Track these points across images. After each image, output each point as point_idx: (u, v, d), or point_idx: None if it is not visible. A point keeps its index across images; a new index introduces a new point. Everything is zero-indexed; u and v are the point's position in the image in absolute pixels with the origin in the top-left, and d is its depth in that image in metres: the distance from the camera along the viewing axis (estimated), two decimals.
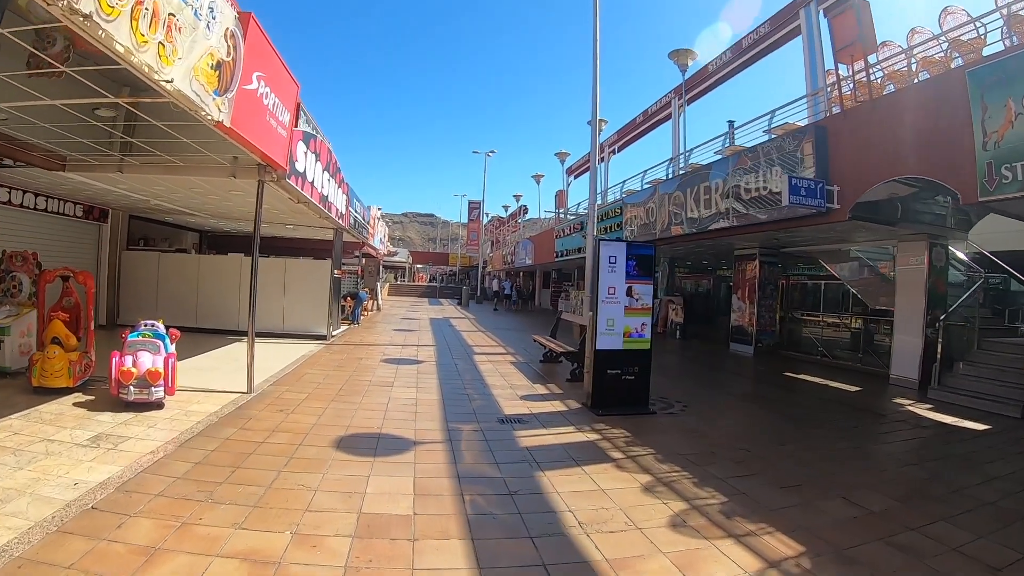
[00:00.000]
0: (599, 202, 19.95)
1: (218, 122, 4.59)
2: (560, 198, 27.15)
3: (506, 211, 42.15)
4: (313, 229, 13.85)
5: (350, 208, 12.72)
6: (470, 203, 50.32)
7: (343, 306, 16.48)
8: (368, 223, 17.44)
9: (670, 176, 14.66)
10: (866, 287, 13.20)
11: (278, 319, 12.61)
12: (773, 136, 10.91)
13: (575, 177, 27.72)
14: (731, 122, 16.84)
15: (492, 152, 38.16)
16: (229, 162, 6.60)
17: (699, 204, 11.86)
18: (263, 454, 4.63)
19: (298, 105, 7.13)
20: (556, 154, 26.47)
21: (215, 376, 7.59)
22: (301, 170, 7.59)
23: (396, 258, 55.55)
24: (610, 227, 16.02)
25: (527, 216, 38.14)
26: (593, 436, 5.75)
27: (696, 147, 13.58)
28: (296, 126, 7.94)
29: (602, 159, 22.94)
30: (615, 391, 6.87)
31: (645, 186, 15.70)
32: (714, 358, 13.49)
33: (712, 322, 20.46)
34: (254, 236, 6.83)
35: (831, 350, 13.45)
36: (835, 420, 7.18)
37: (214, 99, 4.43)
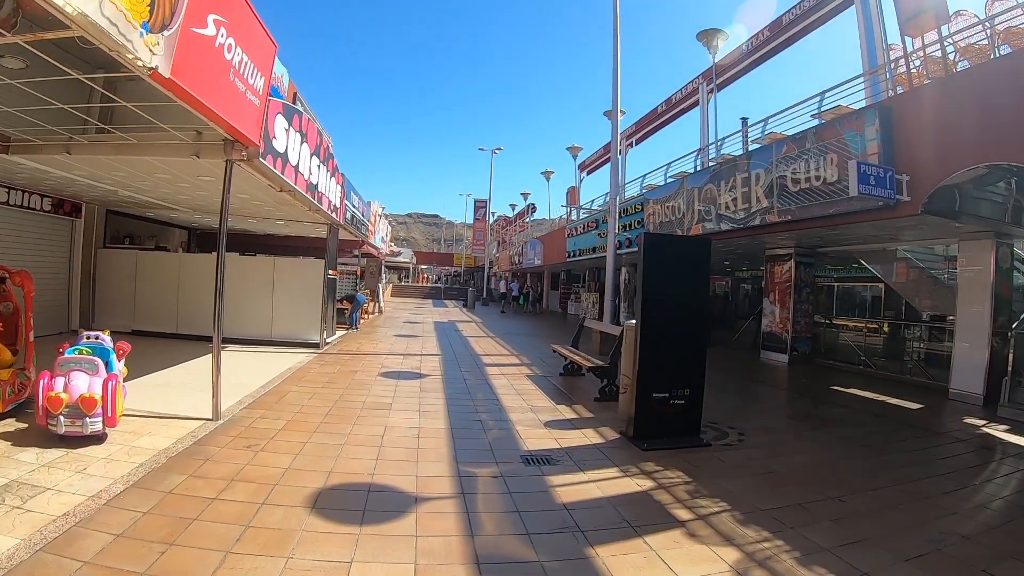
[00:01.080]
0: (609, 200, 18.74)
1: (152, 70, 3.38)
2: (572, 195, 25.78)
3: (513, 210, 40.88)
4: (305, 225, 12.68)
5: (346, 202, 11.52)
6: (476, 202, 49.16)
7: (341, 309, 15.31)
8: (368, 220, 16.25)
9: (698, 168, 13.41)
10: (916, 290, 11.95)
11: (265, 325, 11.43)
12: (823, 121, 9.67)
13: (588, 173, 26.30)
14: (744, 119, 15.58)
15: (499, 149, 36.97)
16: (191, 138, 5.41)
17: (736, 198, 10.62)
18: (211, 520, 3.41)
19: (282, 78, 6.00)
20: (568, 148, 25.09)
21: (182, 395, 6.41)
22: (281, 150, 6.39)
23: (399, 258, 54.46)
24: (630, 224, 14.79)
25: (535, 215, 36.93)
26: (645, 483, 4.51)
27: (731, 135, 12.30)
28: (293, 102, 6.80)
29: (619, 152, 21.67)
30: (662, 418, 5.64)
31: (669, 180, 14.46)
32: (748, 368, 12.24)
33: (731, 326, 19.22)
34: (220, 228, 5.65)
35: (873, 359, 12.19)
36: (916, 450, 5.96)
37: (143, 36, 3.23)
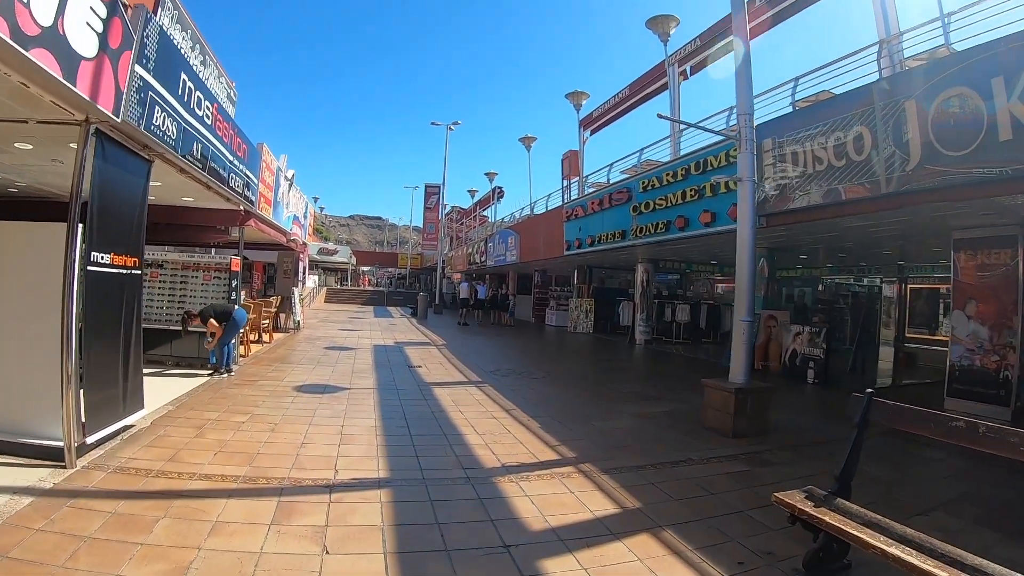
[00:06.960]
0: (646, 159, 12.50)
1: None
2: (572, 163, 19.07)
3: (472, 197, 33.85)
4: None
5: (167, 93, 4.59)
6: (427, 187, 41.80)
7: (199, 333, 8.20)
8: (255, 174, 9.22)
9: (881, 76, 7.29)
10: None
11: None
12: None
13: (593, 132, 19.30)
14: None
15: (455, 124, 30.24)
16: None
17: None
18: None
19: None
20: (567, 95, 18.01)
21: None
22: None
23: (336, 257, 47.22)
24: (701, 190, 8.60)
25: (499, 205, 30.30)
26: None
27: None
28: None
29: (664, 87, 15.11)
30: None
31: (799, 107, 8.35)
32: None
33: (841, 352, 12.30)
34: None
35: None
36: None
37: None
